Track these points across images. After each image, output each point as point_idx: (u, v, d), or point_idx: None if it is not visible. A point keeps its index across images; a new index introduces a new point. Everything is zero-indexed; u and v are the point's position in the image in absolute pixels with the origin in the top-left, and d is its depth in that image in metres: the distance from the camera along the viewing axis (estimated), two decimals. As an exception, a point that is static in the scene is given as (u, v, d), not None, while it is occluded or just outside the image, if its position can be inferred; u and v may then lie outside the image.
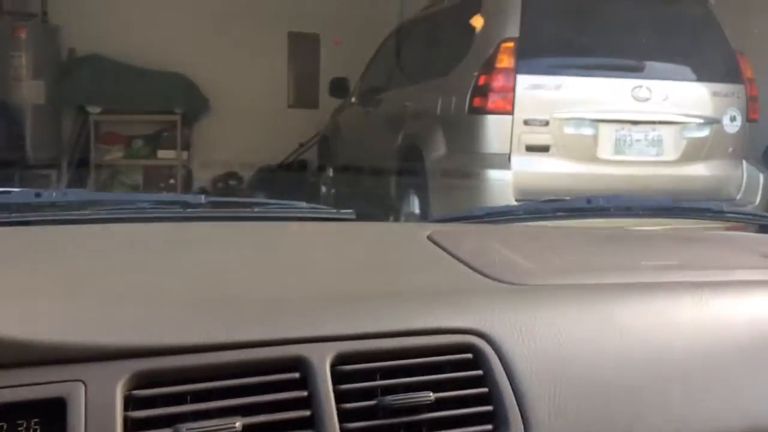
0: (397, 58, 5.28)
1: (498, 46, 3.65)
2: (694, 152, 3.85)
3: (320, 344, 0.72)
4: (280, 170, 8.33)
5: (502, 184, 3.62)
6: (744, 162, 3.96)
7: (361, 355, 0.74)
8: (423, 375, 0.75)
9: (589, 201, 1.39)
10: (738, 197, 3.96)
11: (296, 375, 0.71)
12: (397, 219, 4.66)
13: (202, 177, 8.24)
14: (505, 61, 3.61)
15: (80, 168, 7.57)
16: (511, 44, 3.63)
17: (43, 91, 7.11)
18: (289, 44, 8.64)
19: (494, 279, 0.90)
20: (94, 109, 7.47)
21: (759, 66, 4.24)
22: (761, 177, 3.94)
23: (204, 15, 7.58)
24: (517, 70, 3.61)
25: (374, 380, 0.74)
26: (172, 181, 7.84)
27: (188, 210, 1.25)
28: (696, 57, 3.96)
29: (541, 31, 3.72)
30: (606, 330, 0.83)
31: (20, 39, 6.95)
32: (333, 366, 0.72)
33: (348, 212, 1.34)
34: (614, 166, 3.75)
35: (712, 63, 3.94)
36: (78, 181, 7.61)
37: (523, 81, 3.61)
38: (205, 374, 0.68)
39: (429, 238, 1.06)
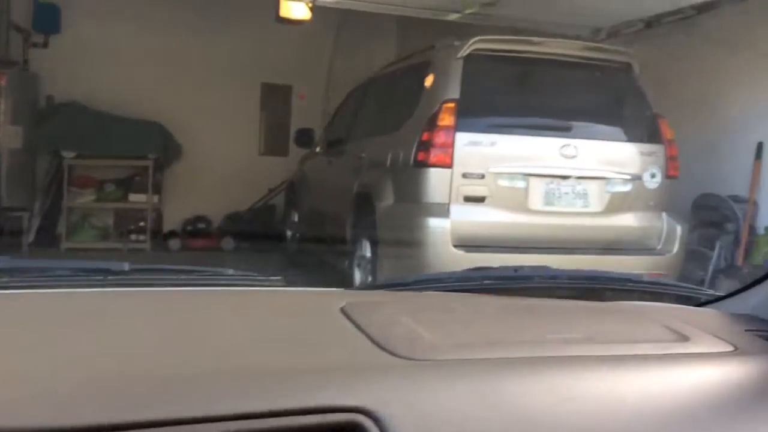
0: (357, 112, 5.67)
1: (440, 106, 4.04)
2: (617, 205, 4.24)
3: (206, 425, 0.71)
4: (249, 215, 8.64)
5: (442, 231, 3.96)
6: (664, 214, 4.35)
7: None
8: None
9: (515, 270, 1.42)
10: (659, 247, 4.35)
11: None
12: (351, 264, 4.96)
13: (173, 220, 8.51)
14: (446, 119, 3.99)
15: (52, 210, 7.79)
16: (452, 105, 4.02)
17: (21, 136, 7.37)
18: (262, 95, 9.05)
19: (394, 354, 0.89)
20: (68, 154, 7.73)
21: (683, 128, 4.69)
22: (678, 228, 4.33)
23: (180, 66, 7.96)
24: (457, 128, 3.99)
25: None
26: (142, 223, 8.07)
27: (110, 278, 1.23)
28: (620, 119, 4.40)
29: (479, 94, 4.13)
30: (503, 407, 0.83)
31: (0, 86, 7.22)
32: None
33: (276, 279, 1.36)
34: (544, 216, 4.12)
35: (634, 125, 4.38)
36: (50, 223, 7.82)
37: (462, 138, 3.99)
38: None
39: (342, 309, 1.06)
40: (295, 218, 7.23)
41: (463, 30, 5.71)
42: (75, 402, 0.71)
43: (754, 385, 0.98)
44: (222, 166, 8.22)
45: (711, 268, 5.04)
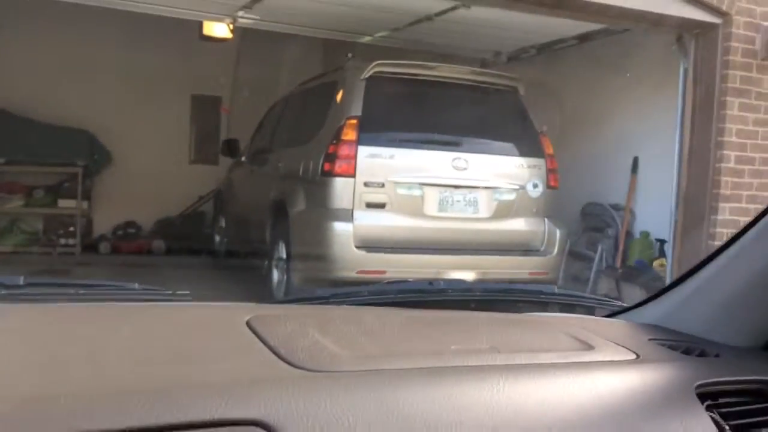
0: (276, 125, 6.08)
1: (344, 122, 4.50)
2: (503, 211, 4.78)
3: None
4: (180, 220, 8.90)
5: (345, 234, 4.41)
6: (546, 220, 4.92)
7: None
8: None
9: (430, 283, 1.43)
10: (542, 248, 4.91)
11: None
12: (269, 266, 5.33)
13: (104, 226, 8.69)
14: (350, 134, 4.45)
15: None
16: (354, 121, 4.48)
17: (-53, 142, 7.46)
18: (192, 106, 9.33)
19: (296, 366, 0.89)
20: (-3, 160, 7.85)
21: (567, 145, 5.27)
22: (558, 232, 4.91)
23: (111, 77, 8.16)
24: (359, 141, 4.45)
25: None
26: (71, 228, 8.23)
27: (3, 292, 1.19)
28: (506, 136, 4.95)
29: (379, 111, 4.61)
30: (401, 416, 0.83)
31: (-71, 93, 7.31)
32: None
33: (183, 293, 1.32)
34: (438, 221, 4.62)
35: (519, 141, 4.93)
36: (-23, 228, 7.91)
37: (364, 151, 4.46)
38: None
39: (248, 323, 1.05)
40: (222, 223, 7.56)
41: (387, 51, 6.23)
42: None
43: (656, 392, 0.99)
44: (153, 173, 8.43)
45: (594, 269, 5.66)
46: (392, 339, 1.11)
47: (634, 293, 5.23)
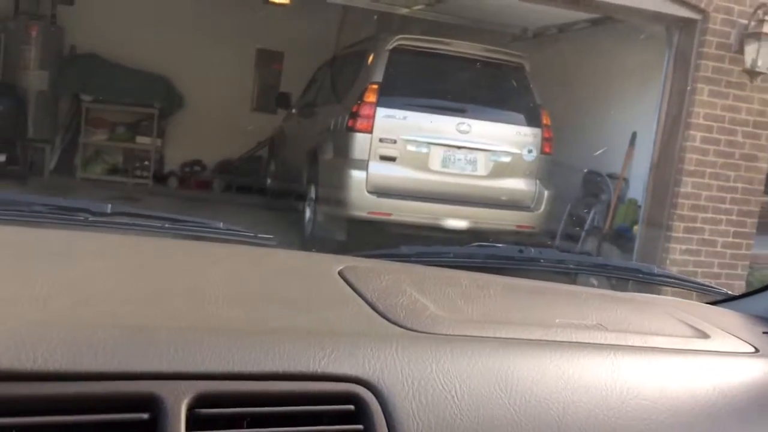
0: (319, 83, 7.00)
1: (367, 86, 5.37)
2: (499, 171, 5.58)
3: (178, 382, 0.65)
4: (239, 163, 10.00)
5: (360, 180, 5.33)
6: (537, 181, 5.69)
7: (226, 398, 0.67)
8: (297, 426, 0.69)
9: (521, 251, 1.36)
10: (531, 205, 5.70)
11: (145, 416, 0.64)
12: (304, 205, 6.29)
13: (173, 162, 9.89)
14: (371, 97, 5.32)
15: (70, 145, 9.18)
16: (376, 86, 5.35)
17: (47, 80, 8.72)
18: (257, 58, 10.33)
19: (396, 324, 0.85)
20: (86, 98, 9.09)
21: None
22: (546, 192, 5.68)
23: (186, 30, 9.20)
24: (378, 104, 5.32)
25: (240, 427, 0.67)
26: (146, 162, 9.46)
27: (91, 219, 1.18)
28: (508, 107, 5.70)
29: (398, 79, 5.44)
30: (508, 387, 0.79)
31: (31, 36, 8.55)
32: (191, 408, 0.65)
33: (267, 237, 1.29)
34: (441, 175, 5.47)
35: (519, 112, 5.68)
36: (68, 156, 9.22)
37: (381, 112, 5.32)
38: (40, 406, 0.61)
39: (340, 273, 1.01)
40: (273, 167, 8.61)
41: (425, 23, 6.98)
42: (22, 344, 0.64)
43: None
44: (219, 118, 9.50)
45: (586, 227, 6.40)
46: (493, 306, 1.06)
47: (612, 253, 5.97)
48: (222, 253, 1.16)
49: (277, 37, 9.85)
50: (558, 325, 0.98)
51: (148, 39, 9.02)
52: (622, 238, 5.88)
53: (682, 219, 5.17)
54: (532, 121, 5.67)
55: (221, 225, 1.28)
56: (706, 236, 5.22)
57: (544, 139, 5.68)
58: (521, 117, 5.67)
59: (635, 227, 5.88)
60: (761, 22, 4.89)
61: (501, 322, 0.96)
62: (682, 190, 5.14)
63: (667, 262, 5.19)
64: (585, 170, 6.67)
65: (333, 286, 0.98)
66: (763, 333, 1.13)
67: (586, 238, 6.35)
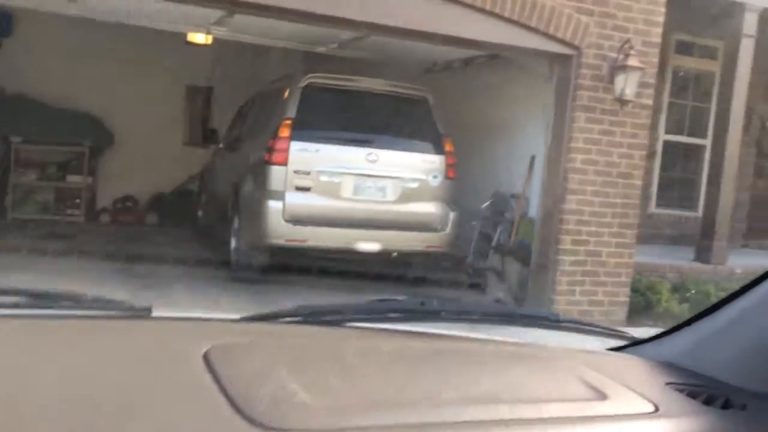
0: (242, 118, 7.40)
1: (281, 122, 5.80)
2: (407, 197, 6.06)
3: None
4: (172, 196, 10.26)
5: (277, 210, 5.73)
6: (443, 204, 6.20)
7: None
8: None
9: (422, 303, 1.29)
10: (438, 227, 6.19)
11: None
12: (229, 235, 6.61)
13: (106, 199, 10.08)
14: (285, 132, 5.75)
15: (0, 186, 9.28)
16: (289, 121, 5.78)
17: (-26, 123, 8.84)
18: (186, 94, 10.67)
19: (253, 422, 0.77)
20: (16, 139, 9.24)
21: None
22: (451, 214, 6.19)
23: (116, 68, 9.48)
24: (292, 138, 5.75)
25: None
26: (77, 200, 9.63)
27: None
28: (413, 136, 6.21)
29: (310, 114, 5.89)
30: None
31: (-42, 79, 8.67)
32: None
33: (142, 308, 1.14)
34: (353, 202, 5.92)
35: (424, 141, 6.20)
36: (-2, 198, 9.31)
37: (295, 146, 5.76)
38: None
39: (205, 356, 0.93)
40: (203, 200, 8.92)
41: (344, 60, 7.46)
42: None
43: None
44: (150, 153, 9.77)
45: (493, 244, 6.93)
46: (377, 381, 0.99)
47: (514, 266, 6.51)
48: (79, 334, 1.03)
49: (206, 74, 10.24)
50: (445, 402, 0.93)
51: (77, 78, 9.26)
52: (522, 252, 6.43)
53: (568, 233, 5.74)
54: (436, 149, 6.19)
55: (88, 296, 1.12)
56: (591, 248, 5.81)
57: (448, 165, 6.20)
58: (426, 146, 6.19)
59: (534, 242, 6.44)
60: (627, 56, 5.55)
61: (382, 403, 0.90)
62: (567, 207, 5.72)
63: (558, 273, 5.75)
64: (492, 191, 7.23)
65: (191, 374, 0.90)
66: (667, 384, 1.10)
67: (494, 254, 6.89)
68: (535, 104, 6.52)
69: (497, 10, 5.21)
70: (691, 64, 8.64)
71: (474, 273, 7.05)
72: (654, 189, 8.96)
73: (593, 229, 5.78)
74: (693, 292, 6.65)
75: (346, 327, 1.22)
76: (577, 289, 5.81)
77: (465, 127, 7.47)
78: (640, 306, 6.29)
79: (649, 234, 8.94)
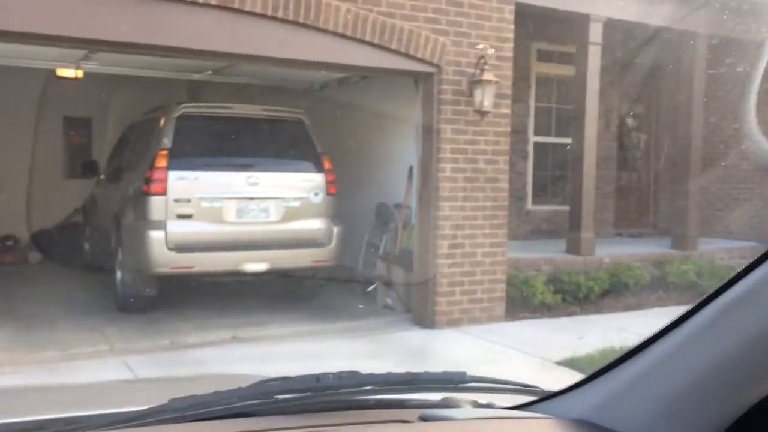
0: (120, 150, 7.35)
1: (158, 152, 5.85)
2: (290, 215, 6.25)
3: None
4: (56, 231, 9.94)
5: (160, 239, 5.76)
6: (327, 220, 6.42)
7: None
8: None
9: (318, 379, 1.15)
10: (324, 242, 6.41)
11: None
12: (114, 267, 6.55)
13: (-16, 240, 9.63)
14: (162, 162, 5.80)
15: None
16: (165, 152, 5.84)
17: None
18: (65, 126, 10.38)
19: None
20: None
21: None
22: (335, 229, 6.43)
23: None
24: (169, 167, 5.81)
25: None
26: (-47, 243, 9.17)
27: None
28: (292, 157, 6.42)
29: (187, 143, 5.97)
30: None
31: None
32: None
33: None
34: (237, 225, 6.04)
35: (302, 161, 6.41)
36: None
37: (173, 175, 5.82)
38: None
39: None
40: (89, 232, 8.73)
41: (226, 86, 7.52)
42: None
43: None
44: (30, 189, 9.44)
45: (380, 254, 7.23)
46: None
47: (400, 273, 6.83)
48: None
49: (85, 105, 10.00)
50: None
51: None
52: (406, 258, 6.75)
53: (445, 237, 6.11)
54: (316, 167, 6.42)
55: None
56: (466, 249, 6.20)
57: (328, 182, 6.44)
58: (305, 165, 6.41)
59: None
60: (482, 71, 5.99)
61: None
62: (441, 213, 6.08)
63: (438, 275, 6.10)
64: (377, 203, 7.53)
65: None
66: None
67: (381, 263, 7.18)
68: (408, 118, 6.87)
69: (358, 35, 5.50)
70: (552, 70, 9.31)
71: (364, 282, 7.31)
72: (529, 188, 9.58)
73: (467, 232, 6.17)
74: (566, 282, 7.20)
75: (230, 419, 1.06)
76: (457, 289, 6.18)
77: (347, 144, 7.75)
78: (518, 300, 6.75)
79: (529, 230, 9.56)
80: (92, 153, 10.13)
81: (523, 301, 6.80)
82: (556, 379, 4.16)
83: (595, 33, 7.65)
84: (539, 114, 9.50)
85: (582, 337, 5.60)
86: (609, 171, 10.17)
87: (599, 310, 7.10)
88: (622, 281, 7.57)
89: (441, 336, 5.94)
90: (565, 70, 9.20)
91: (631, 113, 10.64)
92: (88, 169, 8.36)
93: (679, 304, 7.60)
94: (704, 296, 0.92)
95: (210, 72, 7.36)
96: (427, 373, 1.24)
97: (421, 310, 6.28)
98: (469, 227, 6.19)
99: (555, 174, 9.48)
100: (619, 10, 7.67)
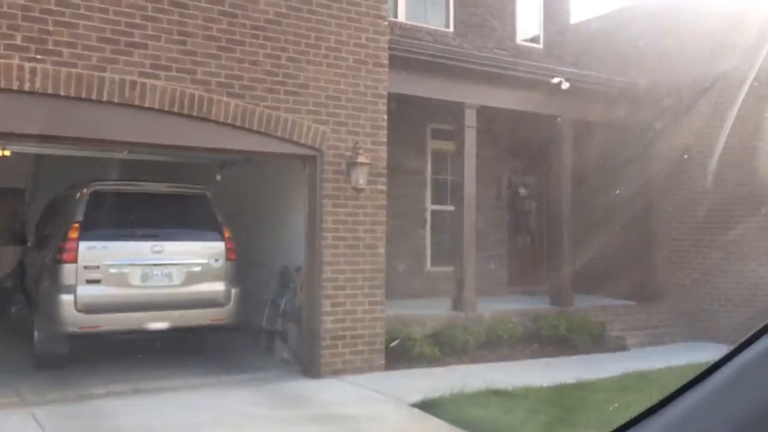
0: (44, 220, 8.11)
1: (71, 225, 6.66)
2: (192, 279, 7.07)
3: None
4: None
5: (69, 302, 6.51)
6: (225, 282, 7.26)
7: None
8: None
9: None
10: (223, 302, 7.22)
11: None
12: (33, 329, 7.22)
13: None
14: (74, 234, 6.60)
15: None
16: (77, 225, 6.65)
17: None
18: (-1, 196, 11.06)
19: None
20: None
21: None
22: (233, 290, 7.26)
23: None
24: (80, 238, 6.61)
25: None
26: None
27: None
28: (194, 227, 7.29)
29: (97, 217, 6.80)
30: None
31: None
32: None
33: None
34: (142, 289, 6.83)
35: (204, 231, 7.28)
36: None
37: (84, 245, 6.62)
38: None
39: None
40: (16, 296, 9.36)
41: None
42: None
43: None
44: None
45: (280, 312, 8.06)
46: None
47: (294, 328, 7.66)
48: None
49: (18, 177, 10.72)
50: None
51: None
52: (298, 316, 7.61)
53: (328, 297, 7.00)
54: (216, 236, 7.30)
55: None
56: (348, 307, 7.09)
57: (228, 249, 7.31)
58: (207, 234, 7.29)
59: (310, 307, 7.62)
60: (357, 154, 7.03)
61: None
62: (325, 276, 6.99)
63: (322, 331, 6.96)
64: (280, 266, 8.41)
65: None
66: None
67: (280, 320, 8.01)
68: (302, 192, 7.85)
69: (246, 125, 6.50)
70: (444, 146, 10.49)
71: (265, 338, 8.12)
72: (428, 251, 10.61)
73: (348, 292, 7.08)
74: (445, 335, 8.12)
75: None
76: (340, 342, 7.04)
77: (254, 213, 8.67)
78: (400, 352, 7.63)
79: (428, 288, 10.53)
80: (26, 222, 10.80)
81: (404, 353, 7.68)
82: (405, 416, 5.17)
83: (470, 117, 8.84)
84: (435, 185, 10.62)
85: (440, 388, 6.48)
86: (502, 235, 11.30)
87: (473, 361, 8.02)
88: (498, 334, 8.53)
89: (321, 384, 6.75)
90: (454, 146, 10.39)
91: (523, 184, 11.88)
92: (17, 237, 9.06)
93: (548, 356, 8.59)
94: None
95: (127, 151, 8.23)
96: None
97: (308, 362, 7.10)
98: (350, 288, 7.11)
99: (450, 238, 10.53)
100: (491, 99, 8.92)
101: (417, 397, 6.06)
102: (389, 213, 9.05)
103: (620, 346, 9.22)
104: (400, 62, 7.78)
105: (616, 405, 5.57)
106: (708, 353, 6.97)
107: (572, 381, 6.77)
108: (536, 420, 5.54)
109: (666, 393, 0.90)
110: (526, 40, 11.92)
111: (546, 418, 5.55)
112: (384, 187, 7.38)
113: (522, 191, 11.79)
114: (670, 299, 10.40)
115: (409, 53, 8.04)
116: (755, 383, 0.81)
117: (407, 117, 8.97)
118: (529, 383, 6.62)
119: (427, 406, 5.86)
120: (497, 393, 6.20)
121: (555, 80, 9.18)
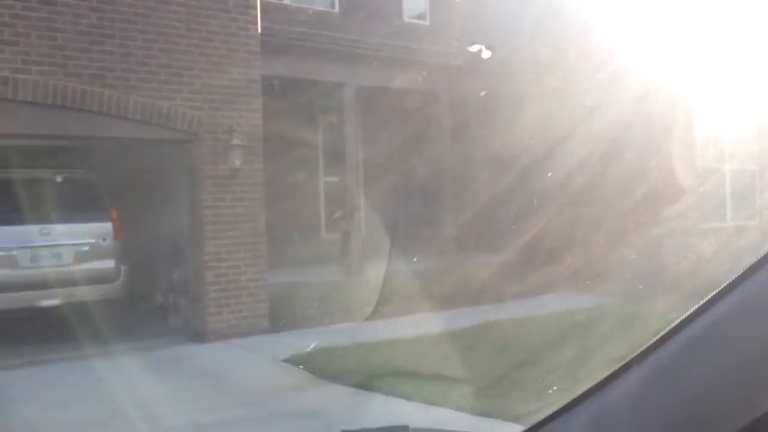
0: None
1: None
2: (81, 258, 7.58)
3: None
4: None
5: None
6: (114, 260, 7.79)
7: None
8: None
9: None
10: (112, 279, 7.76)
11: None
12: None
13: None
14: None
15: None
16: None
17: None
18: None
19: None
20: None
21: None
22: (123, 268, 7.81)
23: None
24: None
25: None
26: None
27: None
28: (82, 210, 7.76)
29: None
30: None
31: None
32: None
33: None
34: (33, 269, 7.30)
35: (92, 212, 7.76)
36: None
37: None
38: None
39: None
40: None
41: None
42: None
43: None
44: None
45: (172, 284, 8.65)
46: None
47: (182, 300, 8.28)
48: None
49: None
50: None
51: None
52: (187, 288, 8.23)
53: (210, 269, 7.64)
54: (103, 217, 7.79)
55: None
56: (230, 277, 7.76)
57: (116, 229, 7.83)
58: (94, 216, 7.77)
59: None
60: (232, 137, 7.61)
61: None
62: (207, 249, 7.62)
63: (207, 299, 7.61)
64: (171, 242, 8.96)
65: None
66: None
67: (172, 292, 8.61)
68: (187, 173, 8.39)
69: (122, 114, 6.98)
70: (333, 120, 11.13)
71: (158, 309, 8.72)
72: (322, 220, 11.33)
73: (230, 263, 7.74)
74: (330, 298, 8.91)
75: None
76: (224, 309, 7.72)
77: (148, 195, 9.14)
78: (284, 315, 8.37)
79: (325, 254, 11.28)
80: None
81: (289, 316, 8.42)
82: (271, 369, 5.94)
83: (349, 95, 9.52)
84: (327, 157, 11.29)
85: (312, 344, 7.26)
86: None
87: (354, 320, 8.84)
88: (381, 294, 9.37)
89: (206, 348, 7.44)
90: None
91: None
92: None
93: (431, 311, 9.51)
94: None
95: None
96: (367, 430, 1.23)
97: (196, 329, 7.76)
98: (233, 259, 7.76)
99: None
100: (366, 79, 9.60)
101: (289, 353, 6.82)
102: (286, 186, 9.72)
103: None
104: (273, 48, 8.35)
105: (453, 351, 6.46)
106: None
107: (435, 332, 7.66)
108: (385, 367, 6.38)
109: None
110: (412, 17, 12.60)
111: (391, 366, 6.40)
112: (261, 166, 8.00)
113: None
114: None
115: (271, 38, 8.61)
116: (689, 369, 0.78)
117: (300, 94, 9.57)
118: (396, 337, 7.46)
119: (295, 360, 6.63)
120: (360, 346, 7.02)
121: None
